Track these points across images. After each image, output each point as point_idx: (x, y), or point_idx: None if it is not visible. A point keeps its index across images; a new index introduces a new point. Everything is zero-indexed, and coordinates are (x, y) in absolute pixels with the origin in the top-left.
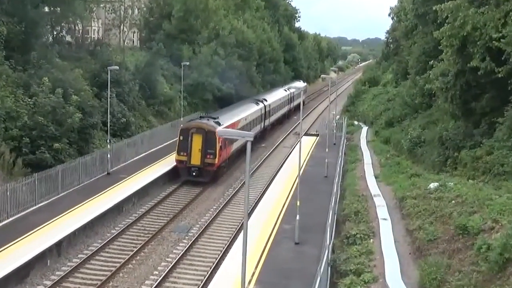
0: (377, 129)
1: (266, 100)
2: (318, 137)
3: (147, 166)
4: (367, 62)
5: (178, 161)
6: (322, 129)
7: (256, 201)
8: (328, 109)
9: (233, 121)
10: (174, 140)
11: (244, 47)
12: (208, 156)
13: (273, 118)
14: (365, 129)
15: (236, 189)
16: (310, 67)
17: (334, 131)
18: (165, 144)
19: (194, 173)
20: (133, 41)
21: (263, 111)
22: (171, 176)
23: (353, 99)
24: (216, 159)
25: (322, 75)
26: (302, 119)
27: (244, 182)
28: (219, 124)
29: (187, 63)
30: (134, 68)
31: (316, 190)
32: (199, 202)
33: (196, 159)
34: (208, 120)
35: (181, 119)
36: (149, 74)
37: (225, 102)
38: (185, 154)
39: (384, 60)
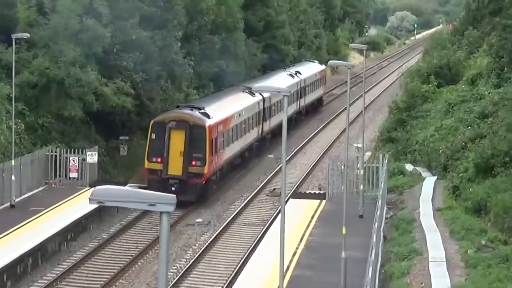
0: (458, 181)
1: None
2: (324, 201)
3: None
4: (431, 30)
5: (148, 170)
6: (332, 182)
7: None
8: (345, 136)
9: (225, 116)
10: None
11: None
12: (193, 163)
13: (274, 120)
14: (429, 181)
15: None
16: (304, 42)
17: (361, 187)
18: None
19: (173, 188)
20: None
21: (260, 107)
22: None
23: (401, 115)
24: (206, 167)
25: (332, 61)
26: (286, 160)
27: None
28: (207, 116)
29: (26, 36)
30: None
31: None
32: None
33: (175, 167)
34: (191, 110)
35: (12, 162)
36: None
37: (111, 125)
38: (159, 160)
39: (471, 26)
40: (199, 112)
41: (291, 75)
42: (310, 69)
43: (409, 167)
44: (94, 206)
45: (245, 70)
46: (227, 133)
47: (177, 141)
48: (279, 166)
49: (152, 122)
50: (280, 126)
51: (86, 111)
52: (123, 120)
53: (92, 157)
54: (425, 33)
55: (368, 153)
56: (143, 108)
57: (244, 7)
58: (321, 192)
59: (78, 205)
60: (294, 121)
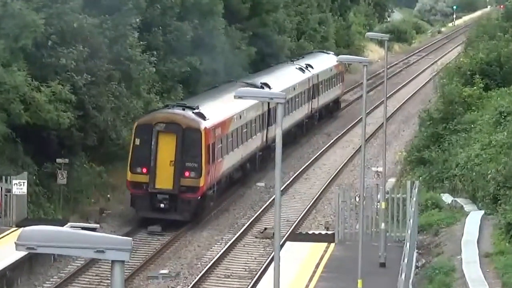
0: None
1: (268, 87)
2: (332, 245)
3: None
4: (476, 13)
5: (131, 184)
6: (343, 219)
7: None
8: (360, 157)
9: (224, 117)
10: None
11: None
12: (186, 174)
13: (283, 124)
14: (474, 217)
15: None
16: (305, 30)
17: (382, 225)
18: None
19: (162, 205)
20: None
21: (265, 108)
22: None
23: (436, 128)
24: (202, 179)
25: (342, 56)
26: (282, 190)
27: None
28: (202, 117)
29: None
30: None
31: None
32: None
33: (165, 180)
34: (183, 110)
35: None
36: None
37: (45, 144)
38: (144, 170)
39: None
40: (193, 113)
41: (300, 69)
42: (324, 62)
43: (446, 198)
44: (23, 253)
45: (225, 68)
46: (226, 139)
47: (166, 148)
48: (272, 198)
49: (136, 124)
50: (289, 132)
51: (12, 125)
52: (62, 137)
53: (19, 187)
54: (467, 17)
55: (392, 180)
56: (88, 121)
57: None
58: (329, 232)
59: (1, 252)
60: (305, 128)
